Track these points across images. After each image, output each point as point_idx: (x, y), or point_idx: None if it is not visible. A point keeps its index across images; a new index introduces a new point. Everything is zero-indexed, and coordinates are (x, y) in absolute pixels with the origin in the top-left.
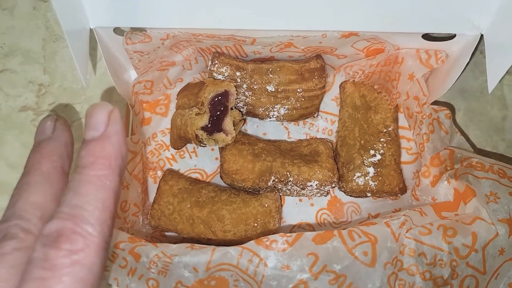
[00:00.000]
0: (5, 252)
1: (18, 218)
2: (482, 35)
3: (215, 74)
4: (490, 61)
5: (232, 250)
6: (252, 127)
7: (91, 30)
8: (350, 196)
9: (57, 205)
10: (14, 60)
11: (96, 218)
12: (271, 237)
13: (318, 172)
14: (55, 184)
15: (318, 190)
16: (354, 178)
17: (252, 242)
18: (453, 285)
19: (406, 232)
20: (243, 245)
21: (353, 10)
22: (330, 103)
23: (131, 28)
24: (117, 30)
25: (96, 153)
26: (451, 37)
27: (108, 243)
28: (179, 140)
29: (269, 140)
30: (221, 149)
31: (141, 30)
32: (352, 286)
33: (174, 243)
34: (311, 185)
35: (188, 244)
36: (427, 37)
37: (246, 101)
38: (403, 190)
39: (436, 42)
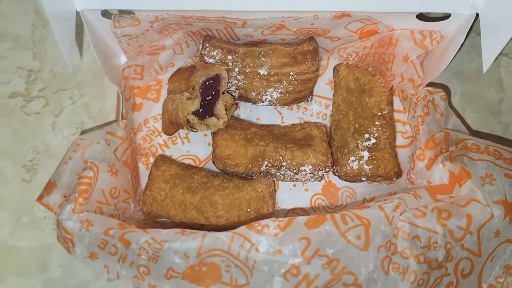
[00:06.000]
0: None
1: None
2: (477, 15)
3: (206, 58)
4: (485, 40)
5: (223, 236)
6: (245, 112)
7: (77, 13)
8: (345, 180)
9: None
10: (3, 45)
11: None
12: (263, 222)
13: (311, 156)
14: None
15: (312, 174)
16: (349, 162)
17: (243, 227)
18: (447, 268)
19: (400, 215)
20: (234, 230)
21: None
22: (324, 87)
23: (119, 10)
24: (105, 13)
25: None
26: (446, 17)
27: None
28: (171, 125)
29: (262, 125)
30: (213, 134)
31: (129, 12)
32: (345, 270)
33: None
34: (305, 170)
35: (179, 230)
36: (421, 17)
37: (238, 85)
38: (398, 174)
39: (431, 23)
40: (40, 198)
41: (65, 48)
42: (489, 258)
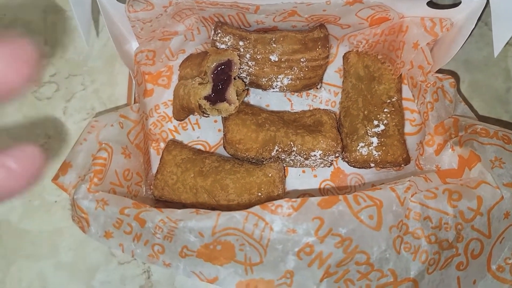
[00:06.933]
0: None
1: None
2: (488, 1)
3: (218, 44)
4: (496, 27)
5: (238, 215)
6: (255, 98)
7: None
8: (354, 166)
9: None
10: (15, 31)
11: None
12: (276, 202)
13: (321, 141)
14: None
15: (321, 160)
16: (358, 148)
17: (257, 207)
18: (458, 248)
19: (411, 197)
20: (248, 209)
21: None
22: (333, 75)
23: None
24: None
25: None
26: (456, 4)
27: None
28: (182, 111)
29: (272, 111)
30: (224, 119)
31: None
32: (357, 249)
33: None
34: (315, 155)
35: (193, 210)
36: (432, 4)
37: (249, 71)
38: (407, 160)
39: (441, 10)
40: (55, 178)
41: (84, 28)
42: (499, 239)
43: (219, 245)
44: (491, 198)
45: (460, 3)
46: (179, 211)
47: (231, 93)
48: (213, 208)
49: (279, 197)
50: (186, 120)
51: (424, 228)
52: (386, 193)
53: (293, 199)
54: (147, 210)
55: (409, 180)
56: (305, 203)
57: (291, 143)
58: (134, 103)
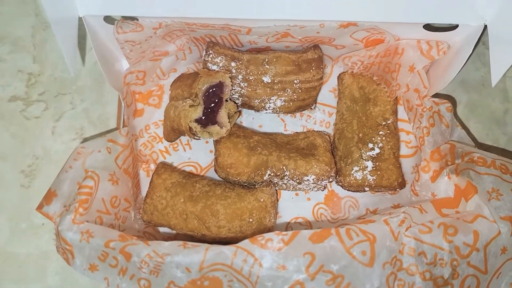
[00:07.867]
0: None
1: None
2: (485, 26)
3: (209, 65)
4: (494, 53)
5: (226, 250)
6: (248, 119)
7: (80, 18)
8: (348, 190)
9: None
10: (3, 48)
11: None
12: (266, 235)
13: (315, 166)
14: None
15: (315, 184)
16: (352, 172)
17: (246, 241)
18: (453, 285)
19: (405, 231)
20: (238, 244)
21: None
22: (327, 95)
23: (122, 16)
24: (108, 19)
25: None
26: (453, 27)
27: None
28: (173, 132)
29: (265, 133)
30: (216, 142)
31: (133, 18)
32: (349, 287)
33: (168, 238)
34: (308, 180)
35: (181, 242)
36: (428, 27)
37: (242, 92)
38: (402, 184)
39: (438, 33)
40: (39, 207)
41: (68, 53)
42: (495, 275)
43: (206, 281)
44: (488, 233)
45: (457, 26)
46: (167, 243)
47: (222, 115)
48: (203, 234)
49: (270, 222)
50: (177, 140)
51: (418, 264)
52: (379, 227)
53: (284, 232)
54: (133, 243)
55: (403, 212)
56: (296, 236)
57: (284, 167)
58: (123, 126)
